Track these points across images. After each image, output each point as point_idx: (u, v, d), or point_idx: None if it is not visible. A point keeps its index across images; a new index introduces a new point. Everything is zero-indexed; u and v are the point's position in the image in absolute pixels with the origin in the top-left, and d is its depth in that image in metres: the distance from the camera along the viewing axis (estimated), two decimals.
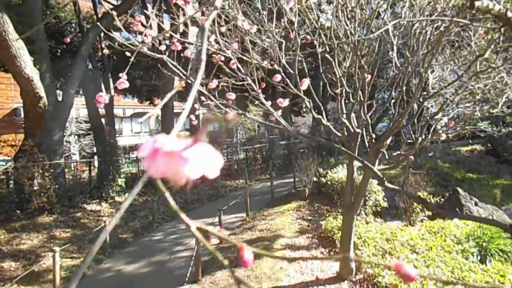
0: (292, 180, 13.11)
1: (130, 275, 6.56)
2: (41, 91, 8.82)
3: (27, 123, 9.52)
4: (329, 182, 9.56)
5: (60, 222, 8.98)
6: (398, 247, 6.49)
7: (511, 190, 12.47)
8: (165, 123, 16.03)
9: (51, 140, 9.94)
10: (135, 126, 34.01)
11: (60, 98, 11.01)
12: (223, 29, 3.99)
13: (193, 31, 17.06)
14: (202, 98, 3.87)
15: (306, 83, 3.18)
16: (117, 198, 11.01)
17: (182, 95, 22.33)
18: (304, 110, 30.91)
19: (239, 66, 3.76)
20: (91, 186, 10.94)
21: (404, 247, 6.55)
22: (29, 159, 8.82)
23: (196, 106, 4.95)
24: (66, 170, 10.75)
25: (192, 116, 4.84)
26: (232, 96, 3.45)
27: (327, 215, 9.01)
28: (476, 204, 9.11)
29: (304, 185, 10.49)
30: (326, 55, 4.34)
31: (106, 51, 17.01)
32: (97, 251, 7.07)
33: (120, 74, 2.08)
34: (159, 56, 3.12)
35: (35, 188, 8.96)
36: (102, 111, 16.11)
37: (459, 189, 9.45)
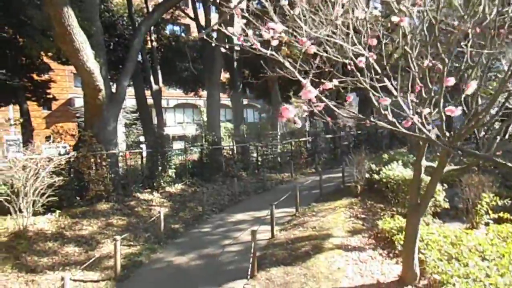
0: (339, 175, 12.76)
1: (185, 266, 6.65)
2: (101, 84, 9.15)
3: (87, 114, 9.95)
4: (384, 180, 9.12)
5: (116, 210, 9.35)
6: (466, 253, 6.02)
7: None
8: (211, 113, 16.19)
9: (106, 131, 10.34)
10: (179, 116, 34.89)
11: (113, 90, 11.41)
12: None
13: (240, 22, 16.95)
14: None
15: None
16: (167, 189, 11.29)
17: (224, 87, 22.47)
18: (347, 103, 30.01)
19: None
20: (143, 176, 11.28)
21: (472, 252, 6.07)
22: (88, 149, 9.23)
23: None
24: (121, 163, 11.15)
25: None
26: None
27: (381, 214, 8.64)
28: None
29: (356, 181, 10.12)
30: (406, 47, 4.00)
31: (154, 43, 17.41)
32: (152, 240, 7.27)
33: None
34: (270, 52, 2.93)
35: (92, 176, 9.38)
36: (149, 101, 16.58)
37: None
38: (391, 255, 6.63)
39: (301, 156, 17.09)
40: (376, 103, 4.33)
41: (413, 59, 4.17)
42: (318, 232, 7.61)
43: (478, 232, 7.33)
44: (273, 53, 2.87)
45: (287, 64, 3.12)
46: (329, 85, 3.06)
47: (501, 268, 5.47)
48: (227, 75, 21.61)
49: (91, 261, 6.15)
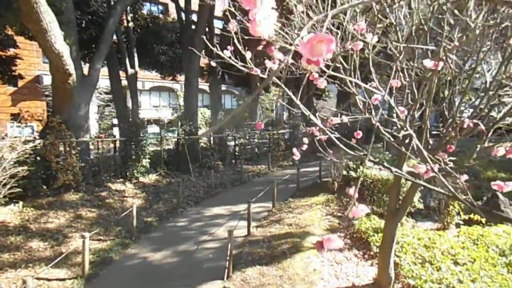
0: (316, 168, 12.80)
1: (158, 264, 6.44)
2: (71, 68, 8.55)
3: (56, 99, 9.34)
4: (361, 178, 9.16)
5: (86, 201, 8.93)
6: (439, 256, 6.15)
7: None
8: (188, 100, 15.70)
9: (77, 116, 9.78)
10: (154, 99, 33.90)
11: (86, 72, 10.77)
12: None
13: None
14: None
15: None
16: (141, 179, 10.91)
17: (202, 73, 21.87)
18: (326, 94, 30.07)
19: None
20: (115, 165, 10.82)
21: (445, 256, 6.20)
22: (56, 136, 8.68)
23: None
24: (91, 147, 10.62)
25: None
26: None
27: None
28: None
29: (334, 178, 10.14)
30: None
31: (131, 24, 16.58)
32: (124, 234, 6.97)
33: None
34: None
35: (60, 165, 8.87)
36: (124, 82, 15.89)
37: (499, 194, 8.95)
38: (366, 256, 6.67)
39: (279, 148, 17.01)
40: (359, 102, 4.22)
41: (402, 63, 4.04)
42: (294, 230, 7.57)
43: (450, 233, 7.51)
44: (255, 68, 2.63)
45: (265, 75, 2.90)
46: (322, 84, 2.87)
47: (473, 273, 5.60)
48: (206, 60, 21.00)
49: (58, 260, 5.79)
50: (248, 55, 2.60)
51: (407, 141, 4.92)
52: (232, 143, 16.21)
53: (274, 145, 17.27)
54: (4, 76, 14.32)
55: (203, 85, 26.11)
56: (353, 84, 3.77)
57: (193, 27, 15.56)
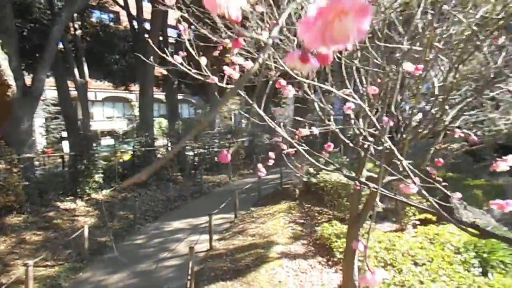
0: (277, 176, 12.77)
1: None
2: (10, 79, 7.84)
3: None
4: (321, 184, 9.25)
5: (31, 223, 8.17)
6: (400, 258, 6.28)
7: (489, 190, 12.73)
8: (144, 110, 15.11)
9: (19, 131, 8.98)
10: (108, 110, 32.46)
11: (28, 84, 9.97)
12: None
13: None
14: None
15: None
16: (94, 195, 10.22)
17: (158, 82, 21.27)
18: (284, 101, 30.50)
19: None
20: (64, 182, 10.05)
21: (405, 257, 6.34)
22: None
23: None
24: (37, 163, 9.79)
25: None
26: None
27: (319, 218, 8.74)
28: (465, 207, 9.11)
29: (295, 184, 10.15)
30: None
31: (79, 31, 15.74)
32: (74, 258, 6.40)
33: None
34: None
35: (1, 184, 8.06)
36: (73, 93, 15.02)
37: (449, 192, 9.41)
38: (330, 263, 6.66)
39: (239, 157, 16.86)
40: (317, 108, 4.19)
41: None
42: (258, 241, 7.41)
43: (408, 234, 7.73)
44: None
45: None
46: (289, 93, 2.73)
47: (432, 273, 5.76)
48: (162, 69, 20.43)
49: None
50: (203, 61, 2.43)
51: (366, 145, 4.99)
52: (191, 153, 15.82)
53: (234, 153, 17.10)
54: None
55: (159, 94, 25.39)
56: (312, 91, 3.72)
57: (146, 36, 15.08)
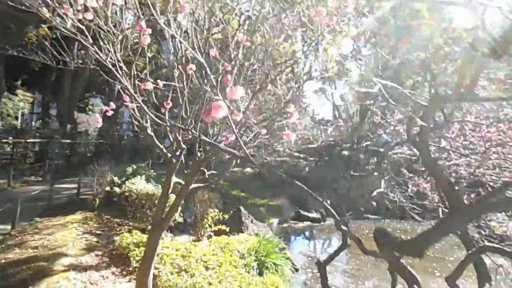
0: (74, 185, 11.41)
1: None
2: None
3: None
4: (126, 193, 8.85)
5: None
6: (194, 264, 6.67)
7: (271, 208, 15.33)
8: None
9: None
10: None
11: None
12: None
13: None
14: None
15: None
16: None
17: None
18: (90, 108, 28.04)
19: None
20: None
21: (198, 263, 6.79)
22: None
23: None
24: None
25: None
26: None
27: (118, 229, 8.29)
28: (252, 221, 10.64)
29: (96, 194, 9.32)
30: None
31: None
32: None
33: None
34: None
35: None
36: None
37: (241, 208, 10.80)
38: (124, 272, 6.37)
39: (26, 161, 14.12)
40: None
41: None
42: (41, 253, 6.34)
43: (203, 244, 8.33)
44: None
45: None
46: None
47: (220, 275, 6.39)
48: None
49: None
50: None
51: (178, 153, 5.24)
52: None
53: (19, 156, 14.19)
54: None
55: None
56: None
57: None
